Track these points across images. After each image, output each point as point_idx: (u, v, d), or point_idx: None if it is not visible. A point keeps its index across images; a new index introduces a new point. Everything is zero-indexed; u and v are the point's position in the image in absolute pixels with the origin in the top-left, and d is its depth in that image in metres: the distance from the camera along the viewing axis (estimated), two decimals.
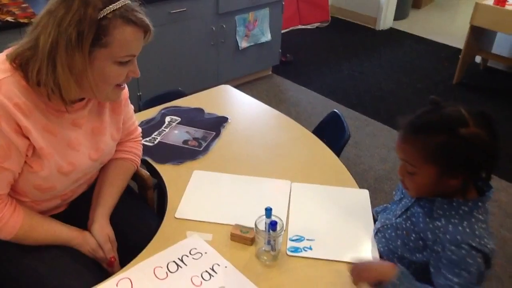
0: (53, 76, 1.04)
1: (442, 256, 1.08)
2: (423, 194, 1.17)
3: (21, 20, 2.32)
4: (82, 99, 1.20)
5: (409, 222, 1.20)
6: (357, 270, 1.13)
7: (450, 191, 1.12)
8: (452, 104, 1.10)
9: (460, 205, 1.11)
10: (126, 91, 1.36)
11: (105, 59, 1.07)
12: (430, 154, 1.08)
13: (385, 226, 1.27)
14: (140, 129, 1.50)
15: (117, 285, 1.10)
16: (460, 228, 1.08)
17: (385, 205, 1.42)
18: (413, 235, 1.17)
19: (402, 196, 1.29)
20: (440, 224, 1.11)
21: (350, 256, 1.20)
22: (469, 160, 1.05)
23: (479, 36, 3.79)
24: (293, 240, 1.25)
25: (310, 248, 1.23)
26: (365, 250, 1.24)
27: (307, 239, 1.26)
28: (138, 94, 2.99)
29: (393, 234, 1.23)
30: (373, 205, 1.42)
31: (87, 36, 1.01)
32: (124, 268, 1.15)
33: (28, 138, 1.08)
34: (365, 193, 1.45)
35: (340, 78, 4.05)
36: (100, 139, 1.27)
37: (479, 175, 1.11)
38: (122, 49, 1.07)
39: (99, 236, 1.25)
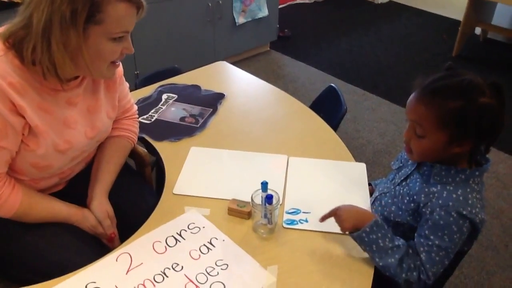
0: (48, 54, 1.04)
1: (429, 218, 1.11)
2: (427, 159, 1.17)
3: (15, 0, 2.30)
4: (77, 77, 1.20)
5: (406, 187, 1.21)
6: (339, 219, 1.15)
7: (452, 158, 1.13)
8: (468, 73, 1.10)
9: (457, 173, 1.12)
10: (120, 69, 1.36)
11: (99, 36, 1.07)
12: (444, 118, 1.07)
13: (383, 194, 1.29)
14: (136, 107, 1.50)
15: (117, 260, 1.12)
16: (453, 195, 1.10)
17: (383, 178, 1.43)
18: (407, 198, 1.19)
19: (401, 165, 1.30)
20: (435, 190, 1.13)
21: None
22: (480, 128, 1.05)
23: (479, 7, 3.75)
24: (289, 213, 1.27)
25: (306, 221, 1.25)
26: None
27: (303, 212, 1.28)
28: (136, 72, 2.97)
29: (389, 201, 1.25)
30: (372, 178, 1.44)
31: (81, 13, 1.01)
32: (124, 243, 1.17)
33: (23, 117, 1.09)
34: (361, 166, 1.46)
35: (339, 52, 4.02)
36: (95, 117, 1.28)
37: (483, 146, 1.12)
38: (115, 25, 1.07)
39: (98, 212, 1.27)
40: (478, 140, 1.08)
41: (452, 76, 1.11)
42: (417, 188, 1.17)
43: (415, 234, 1.14)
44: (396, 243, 1.11)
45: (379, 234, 1.10)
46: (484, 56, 3.98)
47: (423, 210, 1.13)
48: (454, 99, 1.06)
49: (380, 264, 1.09)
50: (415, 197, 1.17)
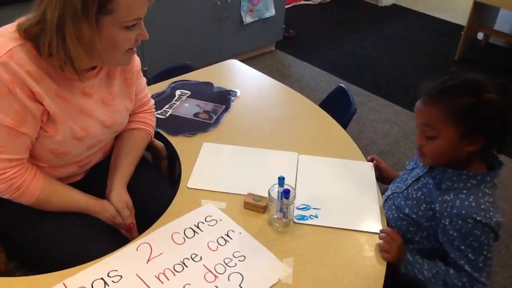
0: (64, 49, 1.06)
1: (450, 229, 1.14)
2: (440, 160, 1.19)
3: None
4: (94, 67, 1.22)
5: (420, 192, 1.24)
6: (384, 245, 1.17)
7: (464, 161, 1.16)
8: (474, 74, 1.13)
9: (469, 178, 1.15)
10: (138, 64, 1.39)
11: (112, 25, 1.08)
12: (454, 115, 1.10)
13: (395, 194, 1.32)
14: (152, 101, 1.53)
15: (137, 250, 1.15)
16: (466, 203, 1.13)
17: (396, 178, 1.45)
18: (424, 205, 1.22)
19: (415, 166, 1.33)
20: (449, 199, 1.16)
21: (354, 224, 1.26)
22: (490, 124, 1.08)
23: (482, 12, 3.79)
24: (300, 209, 1.30)
25: (316, 216, 1.28)
26: (370, 218, 1.28)
27: (313, 208, 1.31)
28: (144, 69, 3.00)
29: (402, 202, 1.28)
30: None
31: (92, 4, 1.02)
32: (143, 234, 1.20)
33: (41, 104, 1.12)
34: (371, 165, 1.50)
35: (342, 53, 4.06)
36: (111, 108, 1.30)
37: (494, 144, 1.15)
38: (127, 13, 1.08)
39: (118, 203, 1.30)
40: (488, 136, 1.10)
41: (456, 77, 1.14)
42: (433, 196, 1.20)
43: (445, 245, 1.17)
44: (434, 270, 1.15)
45: (416, 271, 1.16)
46: (486, 61, 4.02)
47: (441, 220, 1.17)
48: (463, 95, 1.09)
49: None
50: (432, 205, 1.20)
